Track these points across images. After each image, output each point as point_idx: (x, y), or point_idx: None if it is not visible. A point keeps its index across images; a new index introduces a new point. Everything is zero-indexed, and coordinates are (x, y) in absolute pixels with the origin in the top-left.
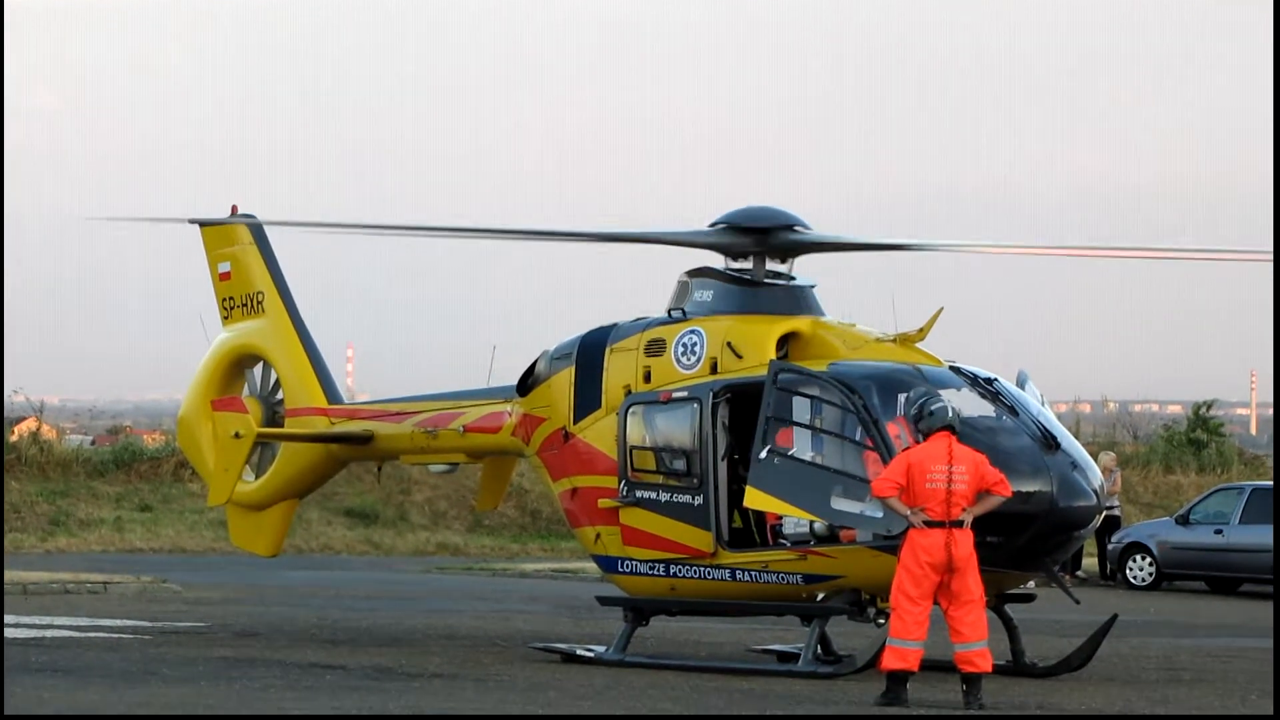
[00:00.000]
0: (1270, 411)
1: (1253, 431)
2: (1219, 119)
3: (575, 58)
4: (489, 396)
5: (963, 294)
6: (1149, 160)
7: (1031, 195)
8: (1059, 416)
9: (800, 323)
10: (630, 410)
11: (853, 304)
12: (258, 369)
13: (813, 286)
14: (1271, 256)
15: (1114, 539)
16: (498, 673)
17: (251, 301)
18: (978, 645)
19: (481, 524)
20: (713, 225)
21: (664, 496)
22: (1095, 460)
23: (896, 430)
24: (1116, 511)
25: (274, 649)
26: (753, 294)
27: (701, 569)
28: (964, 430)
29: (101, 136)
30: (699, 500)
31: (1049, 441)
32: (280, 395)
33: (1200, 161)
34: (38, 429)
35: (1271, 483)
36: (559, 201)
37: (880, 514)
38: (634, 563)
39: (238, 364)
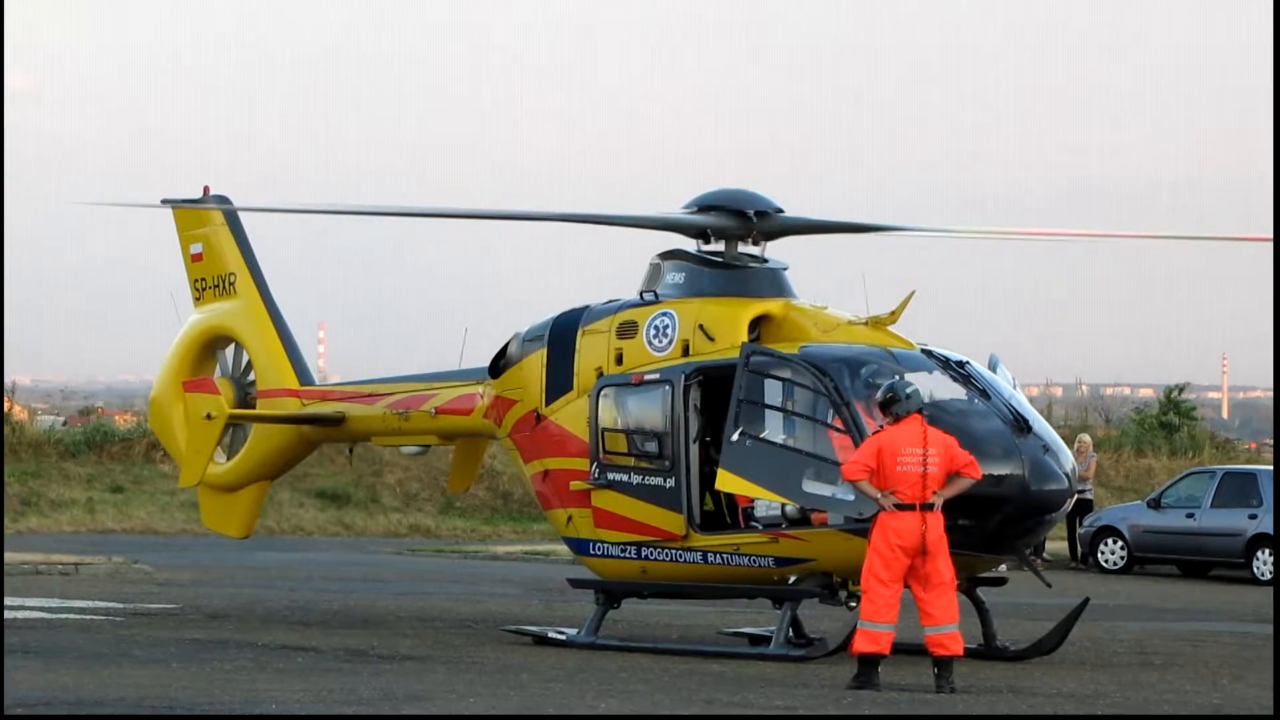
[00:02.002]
0: (1242, 395)
1: (1224, 415)
2: (1209, 108)
3: (551, 39)
4: (461, 378)
5: (935, 277)
6: (1132, 149)
7: (1006, 181)
8: (1030, 400)
9: (772, 305)
10: (602, 392)
11: (825, 287)
12: (229, 350)
13: (785, 269)
14: (1271, 240)
15: (1085, 523)
16: (469, 655)
17: (223, 283)
18: (949, 628)
19: (453, 506)
20: (685, 207)
21: (636, 479)
22: (1073, 441)
23: (867, 413)
24: (1089, 495)
25: (245, 630)
26: (725, 276)
27: (673, 552)
28: (935, 413)
29: (73, 118)
30: (671, 483)
31: (1021, 425)
32: (252, 376)
33: (1181, 150)
34: (9, 409)
35: (1243, 466)
36: (531, 183)
37: (851, 497)
38: (605, 545)
39: (209, 345)
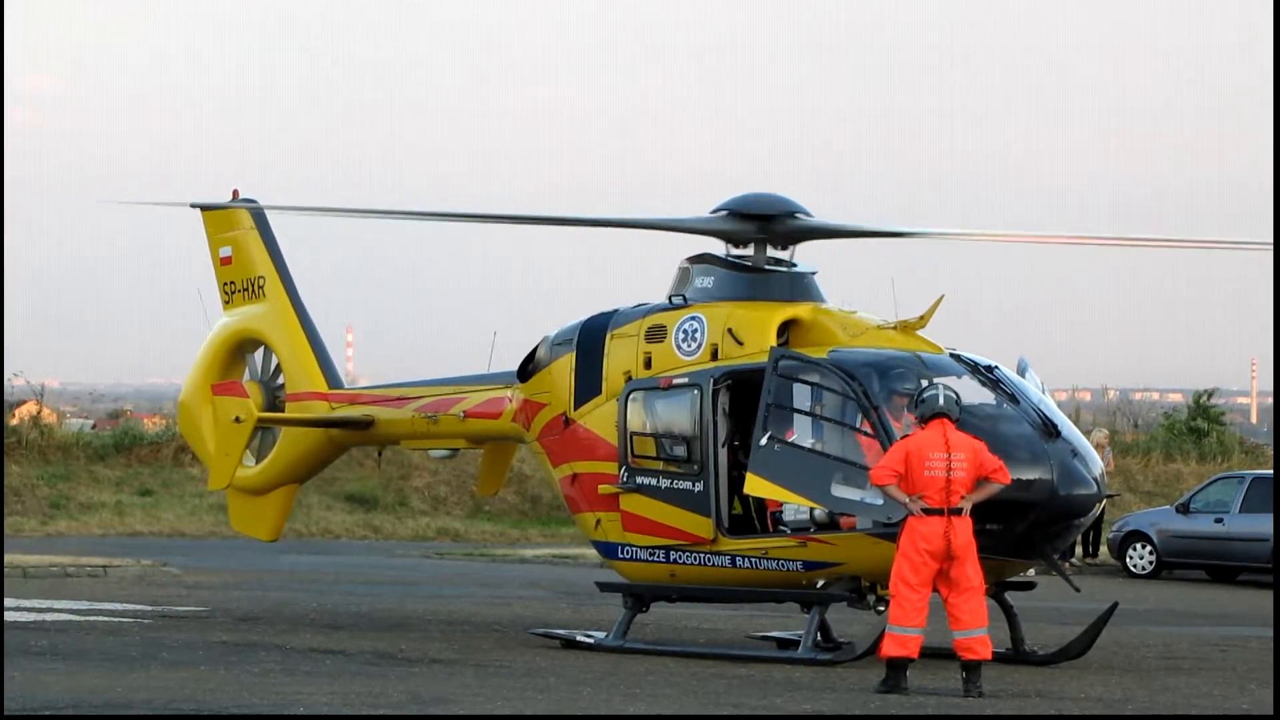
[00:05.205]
0: (1271, 400)
1: (1253, 420)
2: (1222, 110)
3: (576, 41)
4: (490, 382)
5: (964, 281)
6: (1153, 150)
7: (1036, 183)
8: (1059, 404)
9: (801, 309)
10: (631, 396)
11: (854, 291)
12: (258, 353)
13: (814, 273)
14: (1271, 245)
15: (1115, 526)
16: (497, 658)
17: (252, 286)
18: (977, 632)
19: (481, 509)
20: (714, 211)
21: (664, 483)
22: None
23: (896, 417)
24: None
25: (274, 633)
26: (754, 280)
27: (701, 555)
28: (964, 417)
29: (103, 120)
30: (699, 487)
31: (1049, 429)
32: (281, 380)
33: (1198, 152)
34: (38, 413)
35: (1272, 472)
36: (561, 187)
37: (880, 501)
38: (634, 549)
39: (238, 348)
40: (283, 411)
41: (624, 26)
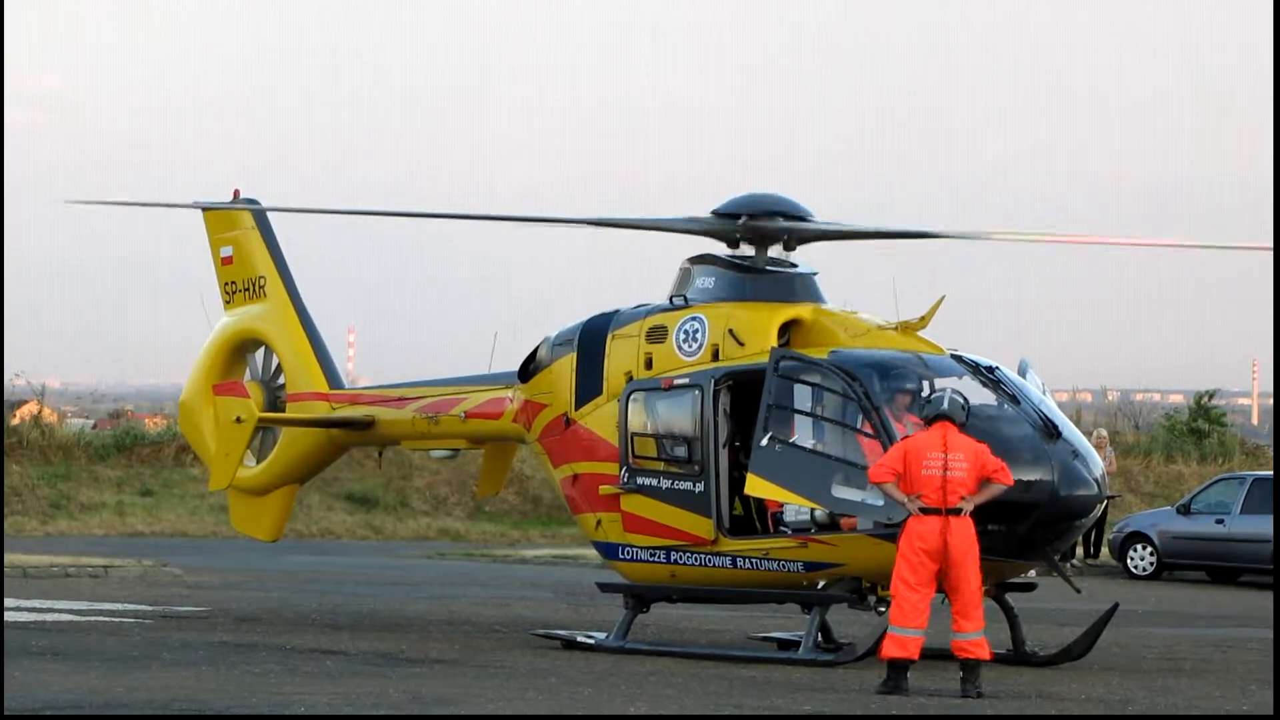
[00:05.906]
0: (1271, 401)
1: (1254, 421)
2: (1222, 110)
3: (576, 41)
4: (490, 382)
5: (965, 282)
6: (1153, 150)
7: (1036, 183)
8: (1059, 405)
9: (802, 310)
10: (632, 397)
11: (855, 292)
12: (259, 353)
13: (814, 274)
14: (1271, 247)
15: (1115, 527)
16: (498, 659)
17: (253, 286)
18: (975, 634)
19: (482, 510)
20: (715, 212)
21: (665, 483)
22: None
23: (897, 418)
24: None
25: (274, 634)
26: (754, 281)
27: (702, 556)
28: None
29: (103, 120)
30: (700, 487)
31: (1050, 430)
32: (282, 380)
33: (1198, 153)
34: (39, 412)
35: (1272, 473)
36: (561, 187)
37: (881, 502)
38: (635, 549)
39: (239, 348)
40: (284, 411)
41: (624, 26)
